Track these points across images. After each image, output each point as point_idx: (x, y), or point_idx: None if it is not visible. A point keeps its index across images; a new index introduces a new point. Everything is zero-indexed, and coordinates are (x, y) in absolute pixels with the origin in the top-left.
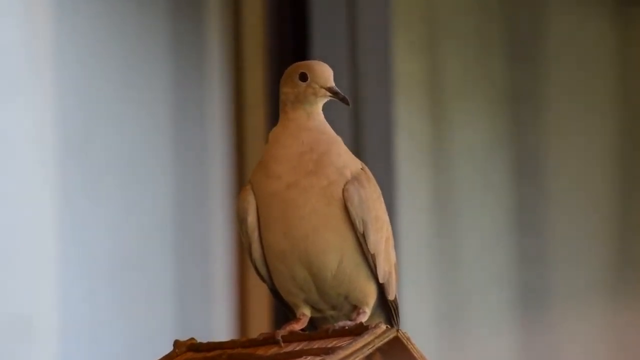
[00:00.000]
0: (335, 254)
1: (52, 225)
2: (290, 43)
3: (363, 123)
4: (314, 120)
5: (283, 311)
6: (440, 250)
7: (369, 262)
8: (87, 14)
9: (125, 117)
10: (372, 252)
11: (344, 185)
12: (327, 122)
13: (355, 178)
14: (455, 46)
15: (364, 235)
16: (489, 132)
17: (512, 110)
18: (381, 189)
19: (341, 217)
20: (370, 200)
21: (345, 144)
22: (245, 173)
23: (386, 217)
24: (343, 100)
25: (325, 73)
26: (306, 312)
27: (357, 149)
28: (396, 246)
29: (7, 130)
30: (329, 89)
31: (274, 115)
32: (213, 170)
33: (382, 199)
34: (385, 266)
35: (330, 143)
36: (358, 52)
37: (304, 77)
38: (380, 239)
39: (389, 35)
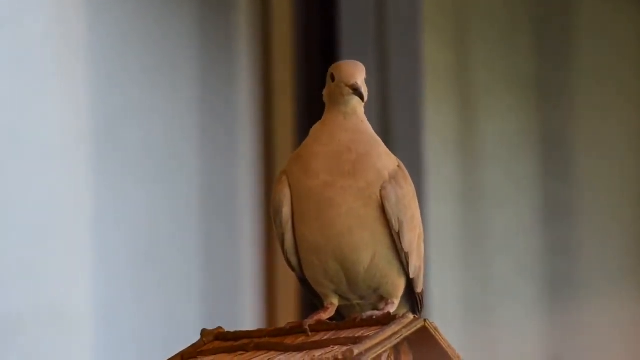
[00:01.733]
0: (369, 251)
1: (86, 215)
2: (319, 34)
3: (392, 116)
4: (350, 120)
5: (310, 300)
6: (468, 241)
7: (401, 258)
8: (117, 7)
9: (156, 106)
10: (406, 250)
11: (382, 184)
12: (367, 122)
13: (393, 177)
14: (484, 39)
15: (399, 234)
16: (518, 124)
17: (540, 103)
18: None
19: (377, 216)
20: (406, 199)
21: None
22: (273, 161)
23: (419, 214)
24: (360, 96)
25: (349, 71)
26: (334, 301)
27: (386, 142)
28: (425, 238)
29: (42, 121)
30: (351, 86)
31: (302, 104)
32: (241, 159)
33: (416, 196)
34: (416, 262)
35: (370, 144)
36: (387, 45)
37: (332, 77)
38: (414, 237)
39: (418, 28)
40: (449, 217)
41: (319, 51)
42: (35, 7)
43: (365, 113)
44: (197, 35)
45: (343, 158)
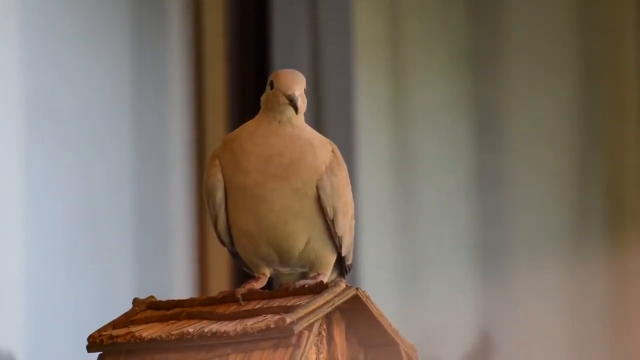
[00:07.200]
0: (304, 237)
1: (18, 184)
2: (251, 3)
3: (324, 85)
4: (284, 127)
5: (243, 270)
6: (400, 208)
7: (335, 241)
8: None
9: (89, 74)
10: (339, 235)
11: (318, 177)
12: (304, 127)
13: (328, 167)
14: (417, 8)
15: (333, 221)
16: (450, 90)
17: (472, 69)
18: (341, 148)
19: (313, 206)
20: (340, 187)
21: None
22: (205, 137)
23: (351, 197)
24: (295, 108)
25: (287, 81)
26: (266, 272)
27: (318, 109)
28: (356, 206)
29: None
30: (287, 97)
31: (233, 77)
32: (175, 127)
33: (349, 179)
34: (348, 241)
35: (304, 148)
36: (318, 12)
37: (272, 85)
38: (347, 221)
39: None
40: (382, 185)
41: (252, 20)
42: None
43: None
44: (131, 1)
45: (274, 161)
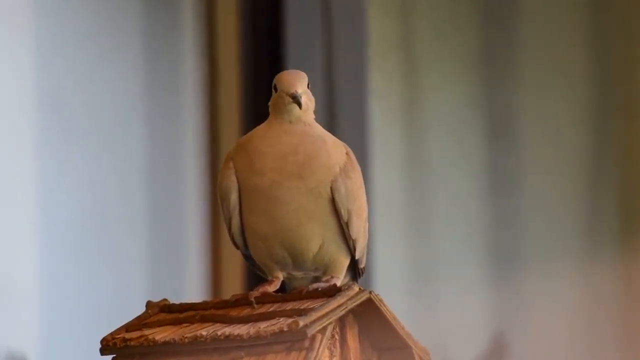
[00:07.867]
0: (318, 240)
1: (30, 184)
2: (265, 3)
3: (337, 86)
4: (296, 125)
5: (256, 273)
6: (413, 211)
7: (349, 243)
8: None
9: (101, 72)
10: (353, 238)
11: (332, 178)
12: (315, 125)
13: (342, 169)
14: (429, 8)
15: (347, 224)
16: (463, 93)
17: (485, 72)
18: (355, 151)
19: (327, 208)
20: (355, 189)
21: (318, 107)
22: (219, 136)
23: (365, 200)
24: (298, 104)
25: (289, 80)
26: (279, 275)
27: (332, 112)
28: (369, 208)
29: None
30: (290, 95)
31: (247, 78)
32: (188, 128)
33: (363, 182)
34: (362, 244)
35: (317, 145)
36: (332, 15)
37: (275, 88)
38: (361, 224)
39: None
40: (395, 188)
41: (265, 21)
42: None
43: (311, 86)
44: (144, 0)
45: (289, 159)
